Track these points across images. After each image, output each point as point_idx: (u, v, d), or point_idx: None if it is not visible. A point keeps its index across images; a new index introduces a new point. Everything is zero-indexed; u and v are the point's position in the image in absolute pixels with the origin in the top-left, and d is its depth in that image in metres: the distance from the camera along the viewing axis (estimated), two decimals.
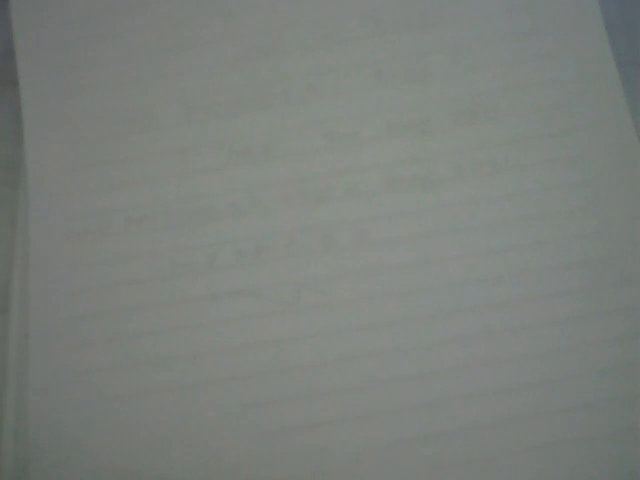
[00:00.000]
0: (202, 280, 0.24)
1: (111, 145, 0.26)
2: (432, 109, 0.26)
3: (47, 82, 0.27)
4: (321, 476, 0.22)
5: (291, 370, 0.23)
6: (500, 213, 0.24)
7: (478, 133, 0.25)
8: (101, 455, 0.23)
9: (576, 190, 0.24)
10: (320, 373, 0.23)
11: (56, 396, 0.23)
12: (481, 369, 0.23)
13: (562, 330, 0.23)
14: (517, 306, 0.23)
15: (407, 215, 0.25)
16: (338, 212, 0.25)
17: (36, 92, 0.26)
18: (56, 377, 0.23)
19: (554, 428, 0.22)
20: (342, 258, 0.24)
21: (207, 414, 0.23)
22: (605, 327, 0.23)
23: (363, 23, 0.27)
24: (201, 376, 0.23)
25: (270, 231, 0.25)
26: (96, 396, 0.23)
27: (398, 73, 0.26)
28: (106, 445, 0.23)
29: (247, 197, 0.25)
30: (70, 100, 0.26)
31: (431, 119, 0.25)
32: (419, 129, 0.25)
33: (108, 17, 0.27)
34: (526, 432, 0.22)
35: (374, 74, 0.26)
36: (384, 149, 0.25)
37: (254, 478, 0.22)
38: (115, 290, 0.24)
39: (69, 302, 0.24)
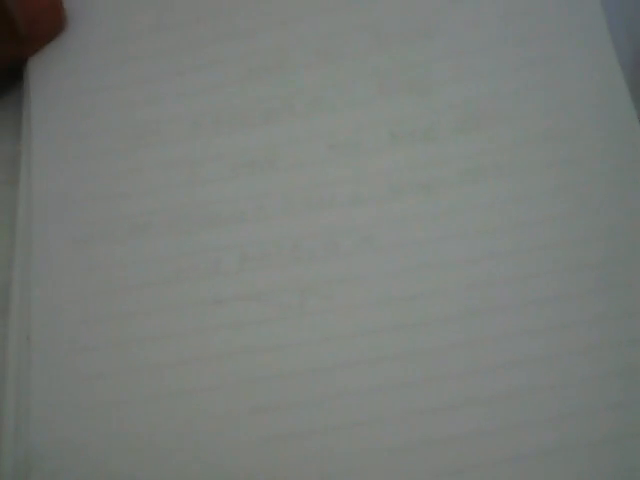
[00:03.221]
0: (206, 285, 0.24)
1: (118, 158, 0.26)
2: (435, 117, 0.26)
3: (58, 104, 0.27)
4: None
5: (295, 375, 0.23)
6: (504, 217, 0.24)
7: (482, 138, 0.25)
8: (104, 461, 0.22)
9: (581, 192, 0.24)
10: (324, 378, 0.23)
11: (58, 401, 0.23)
12: (487, 374, 0.22)
13: (566, 334, 0.23)
14: (522, 310, 0.23)
15: (411, 220, 0.25)
16: (342, 218, 0.25)
17: (47, 112, 0.27)
18: (58, 382, 0.23)
19: (558, 434, 0.22)
20: (346, 263, 0.24)
21: (210, 419, 0.23)
22: (609, 331, 0.22)
23: (364, 37, 0.27)
24: (205, 381, 0.23)
25: (274, 237, 0.25)
26: (99, 401, 0.23)
27: (400, 83, 0.26)
28: (109, 451, 0.22)
29: (251, 204, 0.25)
30: (80, 119, 0.27)
31: (434, 127, 0.26)
32: (422, 137, 0.25)
33: (119, 44, 0.28)
34: (530, 438, 0.22)
35: (376, 85, 0.26)
36: (388, 157, 0.25)
37: None
38: (119, 295, 0.24)
39: (72, 307, 0.24)
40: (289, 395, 0.23)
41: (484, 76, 0.26)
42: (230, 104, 0.27)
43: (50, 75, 0.28)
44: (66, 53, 0.28)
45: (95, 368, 0.23)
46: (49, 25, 0.28)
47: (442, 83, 0.26)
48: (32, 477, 0.22)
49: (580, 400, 0.22)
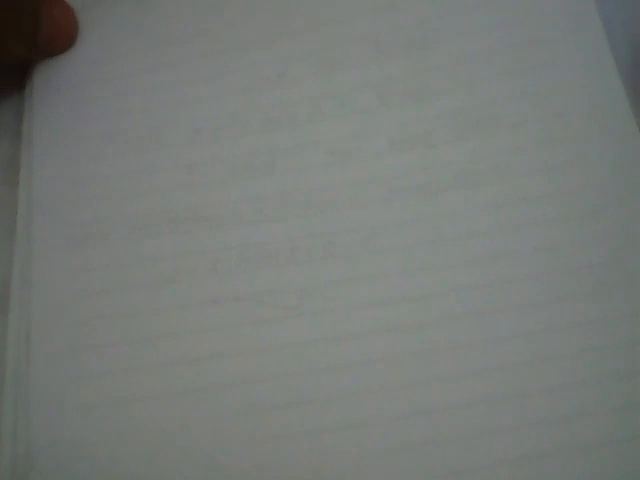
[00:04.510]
0: (204, 285, 0.24)
1: (118, 160, 0.27)
2: (433, 124, 0.26)
3: (60, 107, 0.28)
4: None
5: (293, 376, 0.23)
6: (502, 220, 0.24)
7: (479, 143, 0.25)
8: (103, 460, 0.22)
9: (579, 195, 0.24)
10: (323, 379, 0.23)
11: (57, 400, 0.23)
12: (486, 375, 0.23)
13: (566, 336, 0.23)
14: (522, 312, 0.23)
15: (409, 222, 0.25)
16: (341, 220, 0.25)
17: (48, 114, 0.27)
18: (57, 382, 0.23)
19: (558, 436, 0.22)
20: (344, 265, 0.24)
21: (209, 419, 0.23)
22: (609, 333, 0.23)
23: (364, 47, 0.27)
24: (203, 381, 0.23)
25: (272, 238, 0.25)
26: (98, 401, 0.23)
27: (399, 92, 0.26)
28: (108, 450, 0.22)
29: (250, 206, 0.25)
30: (81, 123, 0.27)
31: (432, 133, 0.26)
32: (421, 143, 0.26)
33: (124, 56, 0.28)
34: (529, 439, 0.22)
35: (376, 95, 0.27)
36: (386, 162, 0.26)
37: None
38: (117, 295, 0.24)
39: (71, 306, 0.24)
40: (288, 396, 0.23)
41: (481, 83, 0.26)
42: (231, 112, 0.27)
43: (54, 79, 0.28)
44: (71, 60, 0.28)
45: (94, 368, 0.23)
46: (64, 41, 0.28)
47: (440, 90, 0.26)
48: (31, 476, 0.22)
49: (580, 402, 0.22)
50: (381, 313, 0.24)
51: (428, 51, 0.27)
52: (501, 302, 0.23)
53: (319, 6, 0.28)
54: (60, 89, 0.28)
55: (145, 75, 0.28)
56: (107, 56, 0.28)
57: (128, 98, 0.28)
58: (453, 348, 0.23)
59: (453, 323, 0.23)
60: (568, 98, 0.25)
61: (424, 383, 0.23)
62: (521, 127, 0.25)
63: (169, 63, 0.28)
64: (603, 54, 0.26)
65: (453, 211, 0.25)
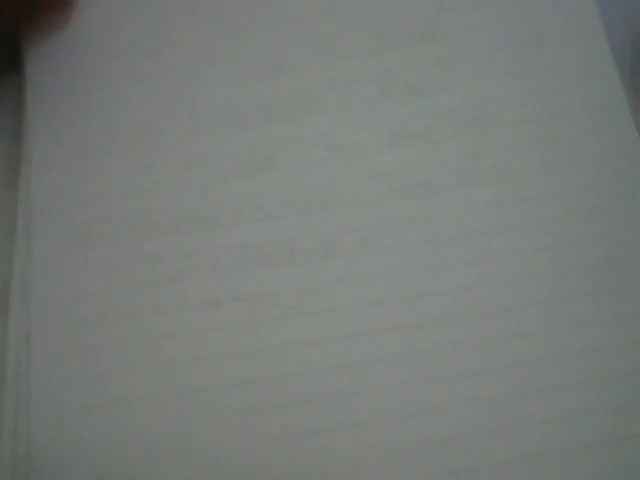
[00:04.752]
0: (204, 285, 0.24)
1: (116, 158, 0.26)
2: (433, 120, 0.26)
3: (58, 104, 0.27)
4: None
5: (293, 376, 0.23)
6: (502, 219, 0.24)
7: (480, 141, 0.25)
8: (103, 461, 0.22)
9: (579, 195, 0.24)
10: (323, 379, 0.23)
11: (58, 400, 0.23)
12: (485, 375, 0.23)
13: (565, 336, 0.23)
14: (521, 311, 0.23)
15: (409, 221, 0.25)
16: (341, 219, 0.25)
17: (46, 112, 0.27)
18: (58, 382, 0.23)
19: (558, 435, 0.22)
20: (345, 264, 0.24)
21: (209, 420, 0.23)
22: (609, 333, 0.23)
23: (365, 39, 0.27)
24: (203, 382, 0.23)
25: (273, 238, 0.25)
26: (98, 401, 0.23)
27: (399, 86, 0.26)
28: (108, 450, 0.22)
29: (250, 204, 0.25)
30: (80, 119, 0.27)
31: (432, 129, 0.26)
32: (421, 139, 0.26)
33: (118, 42, 0.28)
34: (529, 439, 0.22)
35: (376, 88, 0.27)
36: (386, 158, 0.26)
37: None
38: (117, 295, 0.24)
39: (72, 306, 0.24)
40: (288, 396, 0.23)
41: (483, 80, 0.26)
42: (230, 104, 0.27)
43: (49, 74, 0.28)
44: (66, 52, 0.28)
45: (94, 368, 0.23)
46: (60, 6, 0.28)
47: (440, 86, 0.26)
48: (31, 476, 0.22)
49: (580, 402, 0.22)
50: (381, 313, 0.24)
51: (428, 45, 0.27)
52: (501, 302, 0.23)
53: None
54: (55, 83, 0.28)
55: (141, 64, 0.28)
56: (101, 44, 0.28)
57: (125, 90, 0.27)
58: (453, 348, 0.23)
59: (453, 323, 0.23)
60: (568, 98, 0.25)
61: (424, 383, 0.23)
62: (520, 126, 0.26)
63: (164, 49, 0.28)
64: (603, 54, 0.26)
65: (453, 210, 0.25)
